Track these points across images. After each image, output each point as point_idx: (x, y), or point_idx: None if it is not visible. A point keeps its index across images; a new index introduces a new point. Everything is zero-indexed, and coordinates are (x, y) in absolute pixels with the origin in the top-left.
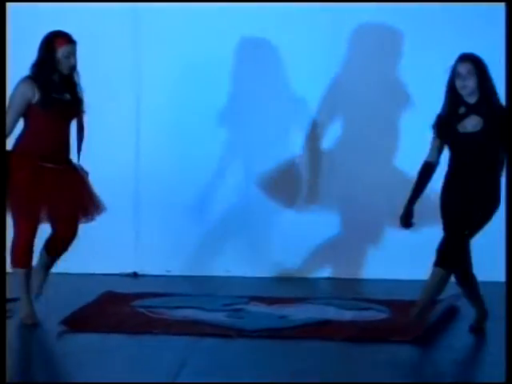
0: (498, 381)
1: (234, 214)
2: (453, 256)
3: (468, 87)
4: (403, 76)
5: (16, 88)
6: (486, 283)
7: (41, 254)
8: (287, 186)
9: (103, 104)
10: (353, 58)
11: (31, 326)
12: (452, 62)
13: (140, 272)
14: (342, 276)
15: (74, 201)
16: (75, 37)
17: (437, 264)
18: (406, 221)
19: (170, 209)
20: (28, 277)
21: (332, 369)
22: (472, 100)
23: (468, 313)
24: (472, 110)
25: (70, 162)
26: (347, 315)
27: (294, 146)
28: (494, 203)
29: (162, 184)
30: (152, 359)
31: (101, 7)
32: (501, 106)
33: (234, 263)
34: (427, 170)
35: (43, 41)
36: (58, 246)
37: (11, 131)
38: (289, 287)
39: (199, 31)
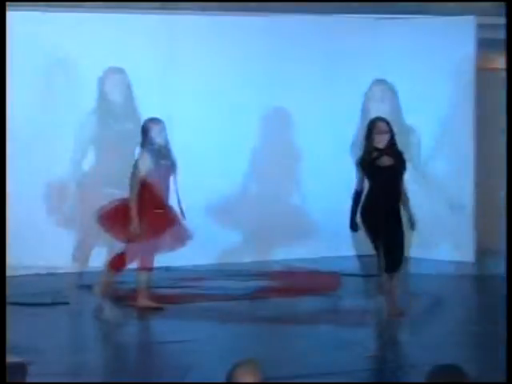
0: (499, 380)
1: (251, 213)
2: (398, 261)
3: (383, 141)
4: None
5: (136, 160)
6: (486, 277)
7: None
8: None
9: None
10: None
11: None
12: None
13: (172, 266)
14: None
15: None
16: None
17: (391, 271)
18: (356, 228)
19: (198, 212)
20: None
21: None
22: (381, 146)
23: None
24: (383, 152)
25: (169, 206)
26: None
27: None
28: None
29: (191, 186)
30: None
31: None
32: (400, 151)
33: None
34: (358, 196)
35: (142, 126)
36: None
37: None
38: None
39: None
